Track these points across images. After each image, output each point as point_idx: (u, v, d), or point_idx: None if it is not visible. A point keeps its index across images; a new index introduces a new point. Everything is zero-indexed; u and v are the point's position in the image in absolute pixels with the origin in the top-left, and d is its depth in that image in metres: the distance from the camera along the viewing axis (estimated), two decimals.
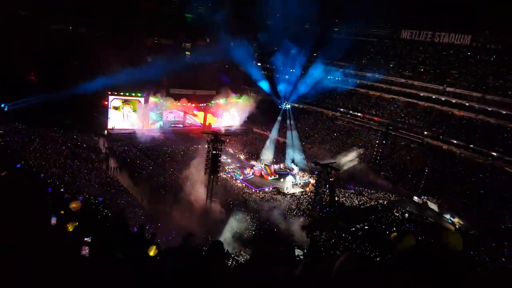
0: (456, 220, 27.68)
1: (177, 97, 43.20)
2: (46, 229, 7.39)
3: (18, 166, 18.30)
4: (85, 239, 8.03)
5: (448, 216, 28.26)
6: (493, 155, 33.55)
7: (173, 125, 44.17)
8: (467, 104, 39.47)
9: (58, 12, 44.30)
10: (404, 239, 2.84)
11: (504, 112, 36.27)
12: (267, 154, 39.25)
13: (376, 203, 29.81)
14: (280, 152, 40.89)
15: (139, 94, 40.39)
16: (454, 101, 40.62)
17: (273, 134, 42.70)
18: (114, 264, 7.07)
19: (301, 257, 17.75)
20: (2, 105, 32.34)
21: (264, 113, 46.93)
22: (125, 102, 39.95)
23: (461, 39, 44.67)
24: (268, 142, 40.84)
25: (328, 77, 50.07)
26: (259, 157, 38.49)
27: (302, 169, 36.75)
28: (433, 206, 29.88)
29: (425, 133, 39.57)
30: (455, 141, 36.97)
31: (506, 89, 37.13)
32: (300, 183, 34.17)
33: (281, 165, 37.97)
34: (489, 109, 37.59)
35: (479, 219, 27.10)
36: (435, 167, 34.17)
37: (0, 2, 40.14)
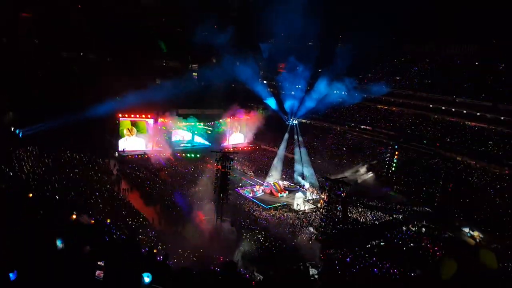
0: (476, 233, 26.69)
1: (185, 117, 43.78)
2: (53, 253, 7.36)
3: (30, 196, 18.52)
4: (99, 263, 7.95)
5: (467, 230, 27.29)
6: (510, 164, 32.69)
7: (182, 146, 44.54)
8: (478, 114, 38.98)
9: (69, 40, 46.05)
10: (445, 266, 2.68)
11: None
12: (276, 170, 38.99)
13: (391, 218, 29.04)
14: (289, 168, 40.61)
15: (148, 116, 41.11)
16: (464, 111, 40.16)
17: (281, 150, 42.57)
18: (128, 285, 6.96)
19: (316, 276, 17.26)
20: (17, 131, 33.16)
21: (272, 130, 47.03)
22: (135, 124, 40.61)
23: (468, 48, 44.69)
24: (276, 159, 40.63)
25: (335, 91, 50.27)
26: (268, 174, 38.26)
27: (312, 185, 36.29)
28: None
29: (437, 144, 38.94)
30: (468, 152, 36.26)
31: None
32: (311, 200, 33.67)
33: (291, 182, 37.61)
34: (502, 118, 37.00)
35: (499, 232, 26.12)
36: (450, 179, 33.36)
37: (14, 31, 41.96)
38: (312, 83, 49.53)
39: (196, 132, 45.46)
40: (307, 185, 36.17)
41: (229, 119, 47.52)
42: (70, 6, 47.86)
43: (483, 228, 27.08)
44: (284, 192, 34.78)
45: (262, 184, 35.72)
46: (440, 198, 31.31)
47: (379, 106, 48.44)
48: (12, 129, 33.22)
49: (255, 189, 34.39)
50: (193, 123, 44.21)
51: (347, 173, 37.19)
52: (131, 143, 40.43)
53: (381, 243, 23.30)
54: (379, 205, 31.61)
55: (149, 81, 45.63)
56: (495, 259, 2.40)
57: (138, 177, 34.16)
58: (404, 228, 26.85)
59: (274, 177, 37.63)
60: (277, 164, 39.56)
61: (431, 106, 43.26)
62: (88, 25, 46.57)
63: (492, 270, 2.34)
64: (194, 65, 59.69)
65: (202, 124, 45.60)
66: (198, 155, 41.82)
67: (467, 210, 29.50)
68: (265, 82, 57.56)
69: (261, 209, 30.35)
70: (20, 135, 33.38)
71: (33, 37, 45.60)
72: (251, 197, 32.90)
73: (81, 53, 49.93)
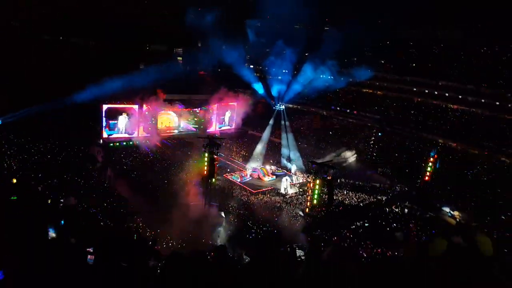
0: (456, 213, 27.85)
1: (171, 103, 43.11)
2: (44, 242, 7.36)
3: (14, 181, 18.16)
4: (88, 249, 8.01)
5: (447, 210, 28.44)
6: (489, 146, 33.96)
7: (168, 131, 44.05)
8: (460, 97, 39.99)
9: (49, 23, 44.10)
10: (436, 242, 2.77)
11: (498, 103, 36.77)
12: (263, 155, 39.29)
13: (374, 199, 29.95)
14: (276, 153, 40.98)
15: (132, 102, 40.25)
16: (447, 94, 41.11)
17: (266, 135, 42.81)
18: (119, 271, 7.07)
19: (303, 257, 17.81)
20: None
21: (259, 115, 46.99)
22: (119, 110, 39.76)
23: (452, 33, 45.28)
24: (263, 143, 40.87)
25: (321, 76, 50.37)
26: (255, 159, 38.52)
27: (299, 168, 36.83)
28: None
29: (420, 127, 39.93)
30: (450, 134, 37.39)
31: (499, 81, 37.70)
32: (297, 183, 34.25)
33: (278, 167, 38.03)
34: (483, 101, 38.10)
35: (478, 211, 27.35)
36: (432, 161, 34.43)
37: None
38: (298, 68, 49.40)
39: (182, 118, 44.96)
40: (293, 169, 36.68)
41: (215, 105, 47.10)
42: None
43: (464, 209, 28.25)
44: (272, 177, 35.23)
45: (250, 169, 35.99)
46: (422, 180, 32.33)
47: (364, 90, 48.97)
48: None
49: (243, 174, 34.68)
50: (180, 109, 43.60)
51: (332, 157, 37.89)
52: (117, 124, 39.60)
53: (365, 224, 24.10)
54: (364, 187, 32.47)
55: (133, 66, 44.40)
56: (491, 246, 2.50)
57: (125, 164, 33.83)
58: (387, 209, 27.78)
59: (259, 162, 37.89)
60: (261, 148, 39.79)
61: (414, 89, 44.07)
62: (68, 8, 44.70)
63: (488, 257, 2.43)
64: (179, 49, 58.31)
65: (188, 109, 45.05)
66: (185, 141, 41.54)
67: (448, 191, 30.69)
68: (251, 66, 56.94)
69: (248, 194, 30.74)
70: (0, 122, 32.30)
71: (11, 20, 43.41)
72: (239, 182, 33.21)
73: (61, 37, 47.99)
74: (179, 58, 57.40)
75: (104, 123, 38.60)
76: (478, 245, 2.55)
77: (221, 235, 22.47)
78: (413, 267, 2.94)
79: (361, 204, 28.83)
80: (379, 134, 38.17)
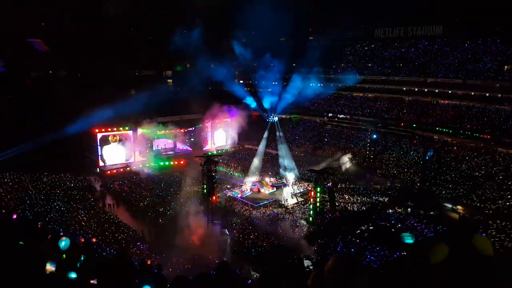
0: (459, 207, 27.77)
1: (164, 125, 43.21)
2: (42, 277, 7.23)
3: (14, 217, 17.91)
4: (91, 281, 7.88)
5: (450, 205, 28.36)
6: (484, 138, 34.24)
7: (164, 153, 44.02)
8: (449, 91, 40.53)
9: (36, 59, 44.48)
10: (436, 249, 2.68)
11: (487, 95, 37.28)
12: (260, 168, 39.31)
13: (376, 202, 29.84)
14: (274, 164, 40.96)
15: (126, 127, 40.34)
16: (436, 90, 41.68)
17: (262, 147, 42.95)
18: None
19: (311, 267, 17.58)
20: None
21: (253, 129, 47.19)
22: (113, 136, 39.76)
23: (433, 30, 46.30)
24: (259, 157, 40.94)
25: (310, 84, 51.05)
26: (253, 172, 38.47)
27: (297, 177, 36.72)
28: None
29: (414, 125, 40.28)
30: (445, 130, 37.68)
31: (485, 72, 38.36)
32: (298, 193, 34.09)
33: (277, 178, 37.88)
34: (472, 93, 38.62)
35: (480, 203, 27.33)
36: (429, 158, 34.60)
37: None
38: (287, 78, 50.05)
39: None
40: (292, 178, 36.58)
41: (209, 122, 47.30)
42: (35, 26, 46.30)
43: (464, 202, 28.22)
44: (272, 189, 35.04)
45: (249, 183, 35.83)
46: (421, 178, 32.37)
47: (355, 94, 49.56)
48: None
49: (243, 189, 34.50)
50: (173, 130, 43.65)
51: (330, 163, 37.96)
52: (113, 151, 39.48)
53: (370, 227, 23.94)
54: (364, 190, 32.40)
55: (124, 93, 44.67)
56: (490, 245, 2.46)
57: (123, 190, 33.58)
58: (390, 210, 27.66)
59: (256, 175, 37.80)
60: (257, 161, 39.82)
61: (404, 89, 44.66)
62: (55, 43, 45.23)
63: (487, 257, 2.39)
64: (168, 72, 58.97)
65: (183, 130, 45.16)
66: (182, 162, 41.45)
67: (448, 186, 30.71)
68: (241, 82, 57.60)
69: (251, 208, 30.51)
70: None
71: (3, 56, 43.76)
72: (239, 197, 32.99)
73: (50, 71, 48.39)
74: (169, 81, 57.99)
75: (99, 152, 38.55)
76: (477, 245, 2.51)
77: (227, 252, 22.16)
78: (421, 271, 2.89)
79: (364, 208, 28.67)
80: (374, 136, 38.38)
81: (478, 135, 35.01)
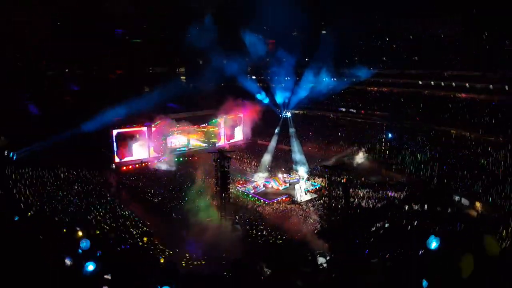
0: (477, 204, 26.91)
1: (178, 122, 43.59)
2: (61, 271, 7.36)
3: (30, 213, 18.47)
4: (105, 276, 7.96)
5: (467, 202, 27.52)
6: (505, 132, 32.94)
7: (178, 150, 44.39)
8: (467, 85, 39.16)
9: (53, 57, 45.53)
10: (465, 263, 2.60)
11: (507, 88, 35.81)
12: (269, 164, 39.24)
13: (392, 198, 29.25)
14: (287, 160, 40.76)
15: (141, 125, 40.91)
16: (454, 84, 40.35)
17: (273, 143, 42.85)
18: None
19: (325, 265, 17.39)
20: (11, 155, 32.83)
21: (266, 124, 47.00)
22: (129, 133, 40.31)
23: (449, 21, 44.79)
24: (270, 153, 40.85)
25: (324, 79, 50.30)
26: (266, 168, 38.41)
27: (310, 173, 36.41)
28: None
29: (430, 120, 39.14)
30: (461, 124, 36.45)
31: (505, 64, 36.83)
32: (312, 189, 33.81)
33: (289, 174, 37.66)
34: (491, 86, 37.23)
35: (499, 200, 26.35)
36: (446, 153, 33.61)
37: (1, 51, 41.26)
38: (300, 73, 49.47)
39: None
40: (305, 174, 36.26)
41: (222, 118, 47.39)
42: (52, 23, 47.27)
43: (483, 199, 27.29)
44: (285, 185, 34.88)
45: (262, 179, 35.79)
46: (438, 174, 31.47)
47: (369, 89, 48.58)
48: (6, 152, 32.86)
49: (255, 185, 34.49)
50: (187, 127, 44.00)
51: (342, 158, 37.48)
52: (128, 148, 40.12)
53: (386, 225, 23.45)
54: (379, 186, 31.78)
55: (138, 90, 45.28)
56: (498, 247, 2.37)
57: (138, 186, 34.07)
58: (406, 207, 27.03)
59: (267, 171, 37.74)
60: (268, 157, 39.74)
61: (420, 82, 43.43)
62: (70, 40, 46.07)
63: (494, 257, 2.33)
64: (181, 69, 59.31)
65: (196, 126, 45.42)
66: (195, 158, 41.72)
67: (466, 182, 29.76)
68: (253, 77, 57.36)
69: (264, 204, 30.45)
70: (14, 158, 33.06)
71: (19, 57, 44.98)
72: (253, 193, 33.00)
73: (66, 70, 49.44)
74: (182, 77, 58.33)
75: (115, 148, 39.16)
76: (486, 247, 2.44)
77: (240, 248, 22.16)
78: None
79: (379, 205, 28.14)
80: (389, 136, 37.52)
81: (497, 129, 33.71)
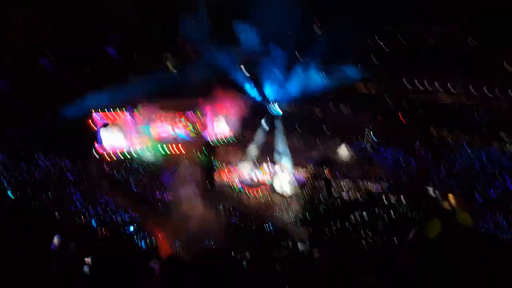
0: (450, 195, 27.98)
1: (163, 109, 42.81)
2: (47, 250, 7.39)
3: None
4: (86, 259, 8.02)
5: (439, 195, 28.58)
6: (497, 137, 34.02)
7: (162, 139, 43.87)
8: (452, 89, 39.75)
9: (34, 47, 43.75)
10: (431, 225, 2.76)
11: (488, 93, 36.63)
12: (255, 156, 39.60)
13: (372, 190, 30.14)
14: (269, 152, 41.19)
15: (124, 111, 39.99)
16: (442, 90, 40.84)
17: (260, 136, 43.12)
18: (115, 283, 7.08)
19: (305, 251, 17.88)
20: None
21: (254, 118, 47.11)
22: (111, 120, 39.44)
23: (447, 27, 45.08)
24: (255, 145, 41.18)
25: (314, 76, 50.57)
26: (251, 159, 38.73)
27: (290, 164, 37.04)
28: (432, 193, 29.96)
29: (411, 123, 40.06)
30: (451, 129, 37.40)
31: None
32: (295, 181, 34.38)
33: (273, 166, 38.12)
34: (475, 93, 37.85)
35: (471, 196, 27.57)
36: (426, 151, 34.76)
37: None
38: (291, 69, 49.53)
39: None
40: (289, 166, 36.78)
41: (209, 109, 47.06)
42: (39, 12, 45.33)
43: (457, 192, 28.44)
44: (269, 175, 35.31)
45: (248, 170, 36.11)
46: (417, 171, 32.52)
47: (359, 90, 48.97)
48: None
49: (240, 175, 34.80)
50: (172, 115, 43.37)
51: (326, 152, 38.21)
52: (111, 135, 39.23)
53: (363, 213, 24.26)
54: (361, 180, 32.66)
55: (122, 76, 44.20)
56: (471, 219, 2.66)
57: (121, 175, 33.69)
58: (385, 198, 27.94)
59: (251, 162, 38.12)
60: (253, 150, 40.07)
61: (410, 87, 43.88)
62: (56, 27, 44.42)
63: (469, 228, 2.58)
64: (169, 57, 58.26)
65: (182, 116, 44.88)
66: (180, 148, 41.42)
67: (443, 180, 30.92)
68: (244, 70, 56.99)
69: (248, 194, 30.81)
70: None
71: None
72: (237, 183, 33.29)
73: (49, 55, 47.66)
74: (169, 64, 57.34)
75: (97, 135, 38.32)
76: (460, 220, 2.70)
77: (223, 237, 22.44)
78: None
79: (359, 197, 28.97)
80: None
81: (476, 130, 34.85)
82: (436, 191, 28.88)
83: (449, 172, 31.02)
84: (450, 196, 27.77)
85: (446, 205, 27.32)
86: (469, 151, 32.94)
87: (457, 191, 28.29)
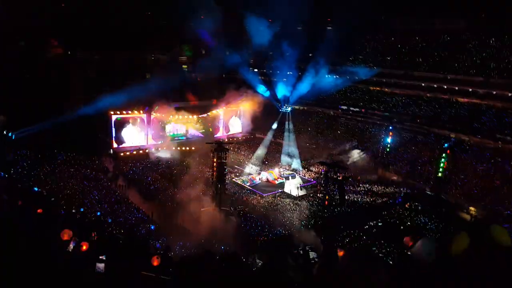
0: (471, 208, 27.14)
1: (177, 110, 43.43)
2: (59, 251, 7.46)
3: (36, 189, 18.73)
4: (100, 257, 8.04)
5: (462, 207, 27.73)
6: (503, 138, 33.08)
7: (176, 138, 44.35)
8: (470, 90, 39.08)
9: (55, 39, 45.11)
10: (458, 239, 2.46)
11: (510, 94, 35.78)
12: (262, 158, 39.41)
13: (386, 198, 29.46)
14: (281, 155, 41.04)
15: (140, 111, 40.71)
16: (456, 88, 40.26)
17: (270, 138, 43.13)
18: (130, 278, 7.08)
19: (316, 259, 17.56)
20: (10, 134, 32.81)
21: (265, 118, 47.01)
22: (128, 119, 40.17)
23: (456, 23, 44.37)
24: (265, 146, 41.04)
25: (326, 76, 50.08)
26: (260, 161, 38.66)
27: (306, 169, 36.69)
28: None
29: (431, 123, 39.19)
30: (462, 128, 36.50)
31: (509, 71, 36.76)
32: (307, 185, 34.01)
33: (285, 169, 37.89)
34: (494, 92, 37.17)
35: (494, 205, 26.61)
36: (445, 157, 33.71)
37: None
38: (303, 69, 49.21)
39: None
40: (300, 169, 36.50)
41: (222, 109, 47.27)
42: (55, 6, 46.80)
43: (481, 203, 27.50)
44: (281, 179, 35.02)
45: (258, 173, 35.96)
46: (435, 176, 31.61)
47: (371, 88, 48.42)
48: (5, 132, 32.85)
49: (251, 178, 34.62)
50: (186, 116, 43.88)
51: (338, 155, 37.71)
52: (129, 134, 39.97)
53: (379, 223, 23.69)
54: (375, 186, 32.00)
55: (139, 76, 44.98)
56: (508, 235, 2.29)
57: (135, 173, 34.15)
58: (399, 207, 27.27)
59: (259, 164, 37.96)
60: (262, 151, 39.94)
61: (423, 84, 43.29)
62: (73, 24, 45.64)
63: (506, 247, 2.24)
64: (183, 58, 58.93)
65: (195, 116, 45.26)
66: (193, 148, 41.73)
67: (463, 186, 29.97)
68: (256, 70, 57.03)
69: (259, 197, 30.61)
70: (13, 137, 33.03)
71: (19, 39, 44.56)
72: (248, 185, 33.14)
73: (68, 52, 49.04)
74: (184, 66, 57.98)
75: (113, 134, 39.05)
76: (495, 236, 2.35)
77: (233, 240, 22.37)
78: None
79: (374, 203, 28.36)
80: (387, 140, 37.47)
81: (498, 135, 33.83)
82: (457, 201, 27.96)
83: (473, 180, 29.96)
84: (472, 208, 26.77)
85: (466, 216, 26.44)
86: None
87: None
